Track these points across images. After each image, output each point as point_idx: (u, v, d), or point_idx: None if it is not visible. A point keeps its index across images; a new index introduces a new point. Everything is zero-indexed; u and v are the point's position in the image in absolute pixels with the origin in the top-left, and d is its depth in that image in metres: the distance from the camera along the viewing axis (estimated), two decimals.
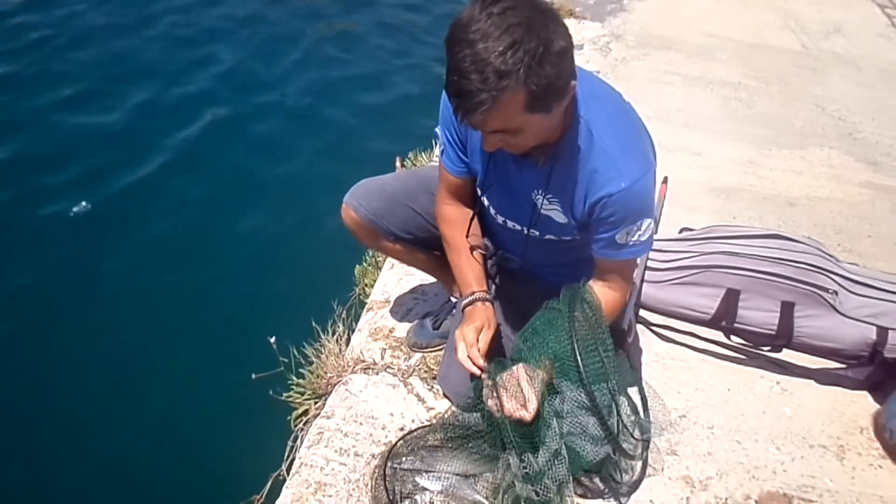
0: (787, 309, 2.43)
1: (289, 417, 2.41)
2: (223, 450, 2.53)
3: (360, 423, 2.13)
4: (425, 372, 2.30)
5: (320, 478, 1.98)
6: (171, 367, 3.05)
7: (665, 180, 3.14)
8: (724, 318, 2.48)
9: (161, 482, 2.46)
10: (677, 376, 2.39)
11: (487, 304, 1.87)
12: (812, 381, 2.40)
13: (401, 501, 1.89)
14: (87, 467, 2.64)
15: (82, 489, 2.55)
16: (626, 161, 1.60)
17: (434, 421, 2.13)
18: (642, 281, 2.56)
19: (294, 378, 2.41)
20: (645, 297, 2.56)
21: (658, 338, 2.52)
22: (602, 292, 1.80)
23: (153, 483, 2.47)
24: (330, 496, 1.94)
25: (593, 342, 1.72)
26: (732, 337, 2.51)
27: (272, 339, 2.25)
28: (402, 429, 2.12)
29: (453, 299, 2.34)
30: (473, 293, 1.87)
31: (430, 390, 2.25)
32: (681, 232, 2.82)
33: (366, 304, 2.66)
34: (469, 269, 1.90)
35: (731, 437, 2.20)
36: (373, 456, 2.04)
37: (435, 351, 2.36)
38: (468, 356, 1.75)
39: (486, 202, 1.89)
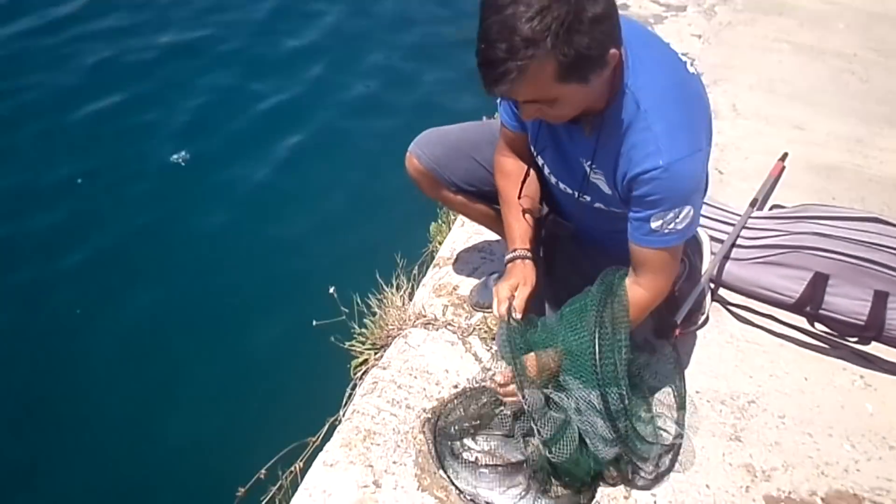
0: (880, 299, 2.25)
1: (349, 365, 2.44)
2: (284, 394, 2.61)
3: (415, 377, 2.13)
4: (485, 332, 2.26)
5: (370, 426, 2.00)
6: (242, 312, 3.13)
7: (783, 157, 2.96)
8: (809, 303, 2.32)
9: (220, 423, 2.57)
10: (751, 360, 2.26)
11: (528, 262, 1.82)
12: None
13: (446, 457, 1.89)
14: (152, 402, 2.78)
15: (145, 422, 2.69)
16: (669, 138, 1.48)
17: (489, 382, 2.10)
18: (724, 258, 2.43)
19: (356, 328, 2.43)
20: (725, 275, 2.43)
21: (735, 318, 2.39)
22: (631, 290, 1.71)
23: (211, 424, 2.57)
24: (378, 444, 1.95)
25: (610, 345, 1.65)
26: (816, 324, 2.35)
27: (332, 289, 2.26)
28: (455, 386, 2.11)
29: None
30: (516, 250, 1.83)
31: (487, 350, 2.22)
32: (772, 209, 2.65)
33: (431, 260, 2.65)
34: (516, 225, 1.86)
35: (803, 429, 2.07)
36: (424, 410, 2.03)
37: (486, 311, 2.32)
38: (497, 311, 1.74)
39: (540, 161, 1.83)
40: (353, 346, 2.44)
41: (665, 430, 1.88)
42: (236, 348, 2.89)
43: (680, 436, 1.89)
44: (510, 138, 1.87)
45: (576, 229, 1.93)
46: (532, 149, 1.83)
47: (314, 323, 2.26)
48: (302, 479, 2.03)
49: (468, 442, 1.92)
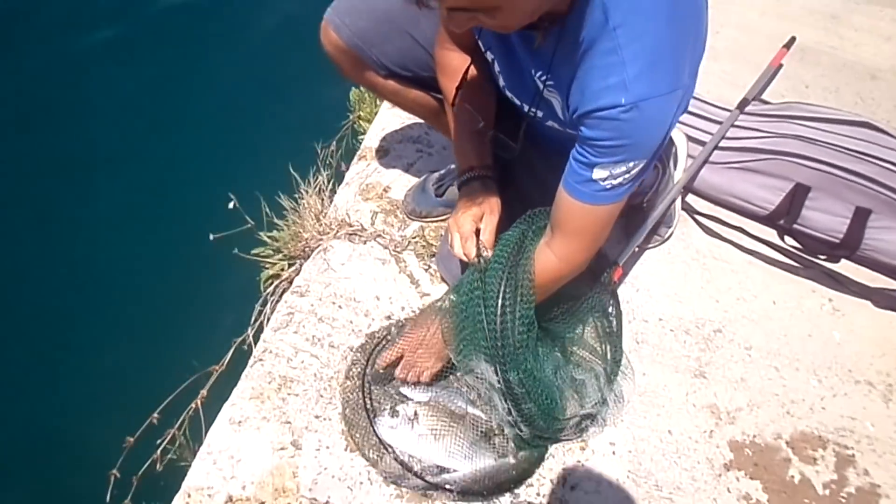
0: (861, 216, 2.01)
1: (258, 278, 2.06)
2: (183, 315, 2.13)
3: (339, 307, 1.78)
4: (423, 247, 1.91)
5: (286, 371, 1.66)
6: (131, 224, 2.53)
7: (789, 44, 2.56)
8: (785, 216, 2.07)
9: (109, 360, 2.08)
10: (718, 280, 2.03)
11: (489, 182, 1.48)
12: (869, 303, 2.05)
13: (379, 411, 1.59)
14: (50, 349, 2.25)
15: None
16: (639, 67, 1.10)
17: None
18: (703, 163, 2.11)
19: (264, 234, 2.02)
20: (697, 181, 2.13)
21: (702, 230, 2.12)
22: (540, 254, 1.40)
23: (101, 362, 2.08)
24: (296, 395, 1.62)
25: (510, 319, 1.37)
26: (786, 238, 2.13)
27: (231, 202, 1.81)
28: (388, 317, 1.77)
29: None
30: (472, 168, 1.48)
31: (426, 271, 1.87)
32: (749, 102, 2.32)
33: (358, 145, 2.21)
34: (466, 138, 1.48)
35: (770, 363, 1.88)
36: (350, 349, 1.70)
37: (436, 221, 1.95)
38: (464, 252, 1.41)
39: (490, 57, 1.42)
40: (264, 252, 2.04)
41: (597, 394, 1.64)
42: (126, 269, 2.35)
43: (604, 402, 1.64)
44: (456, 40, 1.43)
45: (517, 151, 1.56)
46: (481, 45, 1.40)
47: (211, 237, 1.82)
48: (206, 420, 1.71)
49: (404, 390, 1.62)
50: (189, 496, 1.49)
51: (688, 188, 2.14)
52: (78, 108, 2.74)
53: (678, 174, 1.96)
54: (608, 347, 1.65)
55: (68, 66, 2.90)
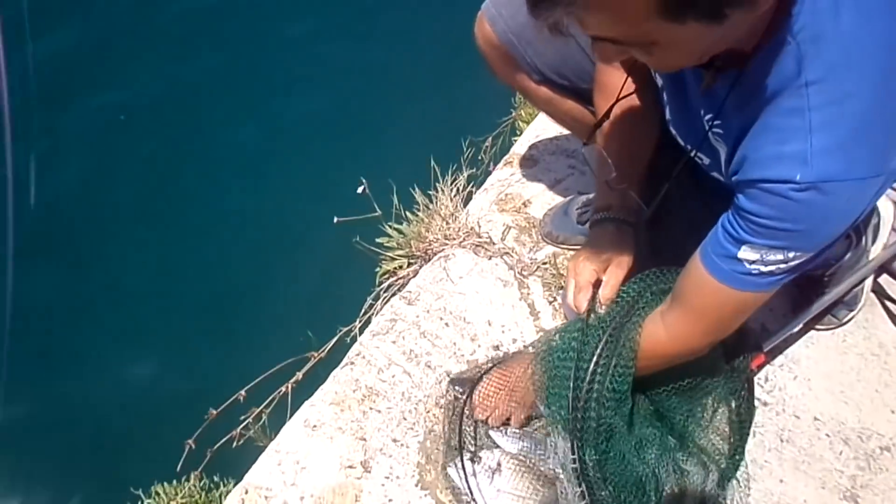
0: None
1: (376, 269, 1.94)
2: (293, 294, 2.07)
3: (446, 324, 1.62)
4: (552, 276, 1.70)
5: (374, 382, 1.53)
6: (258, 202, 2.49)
7: None
8: None
9: (217, 320, 2.05)
10: None
11: (624, 229, 1.28)
12: None
13: (463, 451, 1.42)
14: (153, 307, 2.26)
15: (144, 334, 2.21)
16: (831, 139, 0.84)
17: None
18: (892, 230, 1.74)
19: (390, 226, 1.90)
20: (892, 258, 1.76)
21: (891, 320, 1.75)
22: (649, 325, 1.19)
23: (206, 322, 2.06)
24: (378, 411, 1.49)
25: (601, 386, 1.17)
26: None
27: (361, 187, 1.69)
28: (496, 347, 1.60)
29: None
30: (609, 208, 1.29)
31: (550, 303, 1.67)
32: None
33: (510, 147, 2.03)
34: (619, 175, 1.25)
35: None
36: (448, 375, 1.54)
37: (573, 250, 1.74)
38: (575, 303, 1.25)
39: (659, 82, 1.18)
40: (384, 245, 1.92)
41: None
42: (244, 243, 2.31)
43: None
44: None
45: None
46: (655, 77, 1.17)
47: (335, 220, 1.72)
48: (293, 407, 1.62)
49: (494, 434, 1.44)
50: (246, 492, 1.41)
51: (886, 268, 1.77)
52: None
53: (876, 249, 1.61)
54: (729, 442, 1.37)
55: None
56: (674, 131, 1.18)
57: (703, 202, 1.38)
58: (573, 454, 1.19)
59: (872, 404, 1.63)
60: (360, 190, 1.70)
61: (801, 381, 1.65)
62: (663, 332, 1.17)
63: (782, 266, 0.97)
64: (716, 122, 1.02)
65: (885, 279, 1.80)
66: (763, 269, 0.98)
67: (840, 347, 1.71)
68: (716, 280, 1.03)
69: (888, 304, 1.78)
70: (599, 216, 1.29)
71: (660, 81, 1.16)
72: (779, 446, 1.56)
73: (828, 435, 1.58)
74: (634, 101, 1.26)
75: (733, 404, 1.45)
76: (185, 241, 2.21)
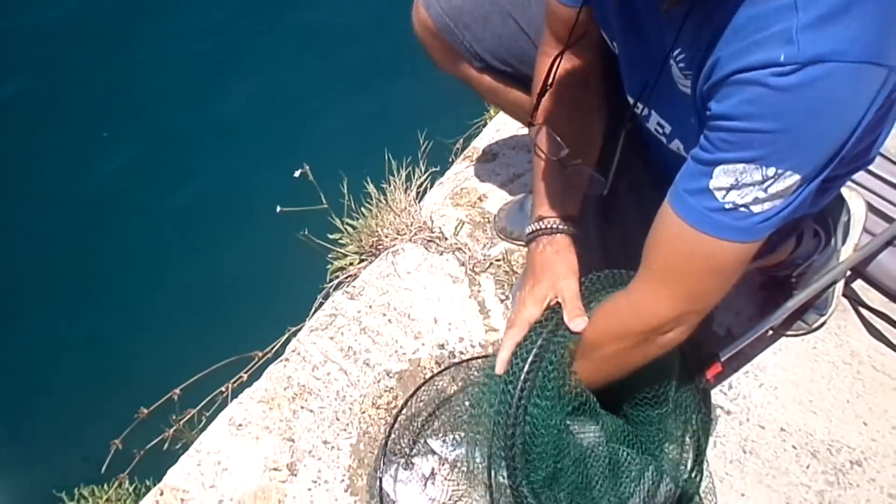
0: None
1: (328, 267, 1.85)
2: (239, 290, 1.95)
3: (390, 320, 1.53)
4: (505, 273, 1.61)
5: (308, 380, 1.43)
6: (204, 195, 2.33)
7: None
8: None
9: (156, 317, 1.93)
10: (872, 396, 1.56)
11: (561, 243, 1.11)
12: None
13: (393, 460, 1.32)
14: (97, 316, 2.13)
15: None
16: (821, 11, 0.70)
17: (491, 352, 1.48)
18: (887, 244, 1.64)
19: (344, 221, 1.81)
20: (874, 265, 1.66)
21: (866, 328, 1.66)
22: (610, 303, 1.03)
23: (145, 320, 1.93)
24: (310, 410, 1.39)
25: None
26: None
27: (299, 171, 1.60)
28: (441, 346, 1.50)
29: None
30: (541, 219, 1.12)
31: (501, 301, 1.58)
32: None
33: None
34: (544, 172, 1.13)
35: None
36: (388, 374, 1.45)
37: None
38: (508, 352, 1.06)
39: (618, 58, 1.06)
40: (335, 241, 1.83)
41: None
42: (184, 234, 2.19)
43: None
44: (562, 21, 1.08)
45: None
46: (604, 35, 1.06)
47: (278, 209, 1.63)
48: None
49: (432, 441, 1.33)
50: (161, 494, 1.31)
51: (858, 271, 1.68)
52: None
53: (847, 250, 1.53)
54: (684, 457, 1.26)
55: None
56: (629, 92, 1.06)
57: (659, 192, 1.29)
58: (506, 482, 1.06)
59: (843, 415, 1.53)
60: (297, 173, 1.60)
61: (768, 389, 1.55)
62: (624, 303, 1.00)
63: (760, 195, 0.80)
64: (678, 53, 0.88)
65: (859, 284, 1.71)
66: (738, 199, 0.81)
67: (810, 355, 1.61)
68: (685, 222, 0.86)
69: (862, 310, 1.68)
70: (532, 229, 1.13)
71: (609, 35, 1.05)
72: (741, 458, 1.45)
73: (794, 447, 1.48)
74: (578, 77, 1.16)
75: (692, 417, 1.33)
76: (121, 233, 2.09)
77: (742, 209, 0.82)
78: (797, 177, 0.79)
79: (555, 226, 1.11)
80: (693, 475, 1.22)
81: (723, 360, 1.33)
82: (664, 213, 0.91)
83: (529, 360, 1.01)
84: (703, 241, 0.86)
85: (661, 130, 1.03)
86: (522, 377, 1.01)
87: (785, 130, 0.75)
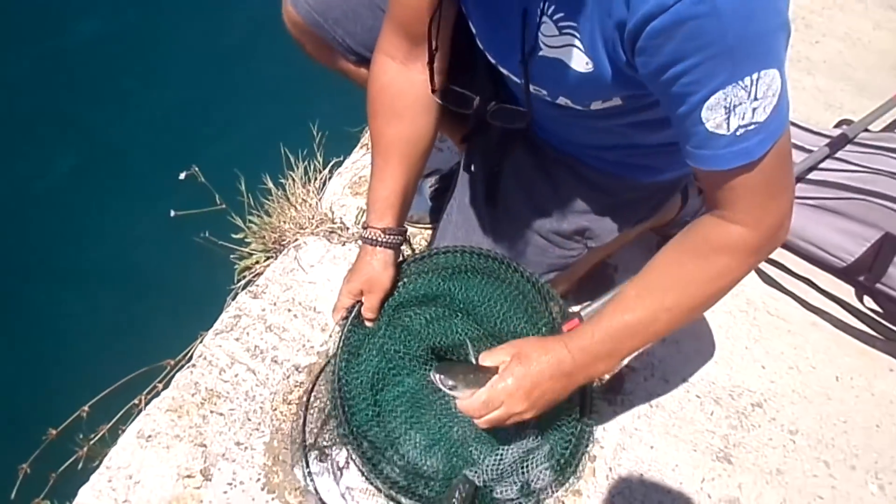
0: None
1: (236, 267, 1.83)
2: (143, 300, 1.89)
3: (294, 316, 1.52)
4: (409, 256, 1.62)
5: (215, 384, 1.42)
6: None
7: None
8: (867, 272, 1.66)
9: (53, 330, 1.85)
10: (768, 341, 1.64)
11: (385, 253, 1.20)
12: None
13: (313, 448, 1.32)
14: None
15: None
16: None
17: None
18: None
19: (243, 220, 1.79)
20: None
21: (758, 276, 1.73)
22: (715, 228, 0.96)
23: (44, 333, 1.85)
24: (220, 413, 1.38)
25: None
26: (866, 300, 1.71)
27: (184, 173, 1.57)
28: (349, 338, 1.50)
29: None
30: (367, 228, 1.20)
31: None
32: (838, 125, 1.89)
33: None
34: (381, 179, 1.18)
35: (818, 455, 1.49)
36: (297, 369, 1.44)
37: (429, 229, 1.67)
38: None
39: (471, 25, 1.07)
40: (239, 240, 1.81)
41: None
42: (75, 241, 2.09)
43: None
44: (408, 13, 1.07)
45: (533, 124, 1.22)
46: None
47: (171, 213, 1.60)
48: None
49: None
50: None
51: None
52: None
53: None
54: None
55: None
56: (493, 60, 1.07)
57: (542, 171, 1.32)
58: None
59: (742, 361, 1.60)
60: (182, 176, 1.57)
61: (670, 343, 1.61)
62: (738, 230, 0.94)
63: (755, 104, 0.81)
64: (555, 12, 0.88)
65: None
66: (741, 121, 0.82)
67: None
68: (724, 171, 0.87)
69: None
70: (366, 234, 1.19)
71: (471, 22, 1.06)
72: (648, 412, 1.51)
73: (698, 396, 1.54)
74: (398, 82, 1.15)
75: None
76: (13, 247, 2.00)
77: (751, 126, 0.83)
78: (772, 70, 0.80)
79: (382, 240, 1.18)
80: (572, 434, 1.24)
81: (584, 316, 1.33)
82: (704, 177, 0.92)
83: (342, 335, 1.22)
84: (754, 167, 0.87)
85: (541, 94, 1.04)
86: (339, 352, 1.21)
87: (734, 43, 0.77)
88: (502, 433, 1.23)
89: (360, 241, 1.22)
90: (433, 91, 1.11)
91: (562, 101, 1.02)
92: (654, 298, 1.00)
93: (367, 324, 1.22)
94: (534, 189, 1.28)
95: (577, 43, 0.90)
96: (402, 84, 1.13)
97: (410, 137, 1.15)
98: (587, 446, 1.23)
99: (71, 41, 2.44)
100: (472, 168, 1.31)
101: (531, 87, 1.02)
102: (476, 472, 1.20)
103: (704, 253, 0.97)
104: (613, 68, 0.89)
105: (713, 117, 0.83)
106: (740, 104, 0.81)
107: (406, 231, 1.23)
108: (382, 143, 1.16)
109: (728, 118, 0.83)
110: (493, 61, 1.08)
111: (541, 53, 0.94)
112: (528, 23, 0.92)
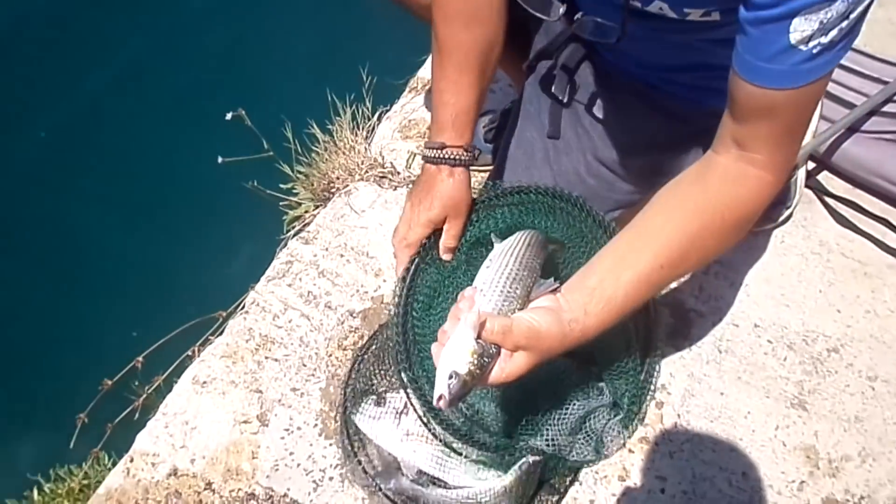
0: None
1: (283, 217, 1.79)
2: (191, 249, 1.85)
3: (348, 260, 1.48)
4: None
5: (269, 330, 1.39)
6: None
7: None
8: None
9: (109, 283, 1.82)
10: (843, 284, 1.55)
11: (458, 171, 1.08)
12: None
13: (365, 396, 1.28)
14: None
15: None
16: None
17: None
18: (849, 130, 1.61)
19: (291, 168, 1.75)
20: (837, 153, 1.63)
21: (833, 217, 1.64)
22: (738, 177, 0.90)
23: (98, 287, 1.82)
24: (275, 359, 1.35)
25: None
26: None
27: (230, 115, 1.52)
28: (404, 280, 1.45)
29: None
30: (443, 147, 1.07)
31: None
32: None
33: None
34: (456, 92, 1.06)
35: None
36: (351, 314, 1.41)
37: (483, 170, 1.60)
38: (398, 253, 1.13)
39: None
40: (287, 189, 1.77)
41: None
42: (127, 191, 2.04)
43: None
44: None
45: (616, 57, 1.14)
46: None
47: (219, 160, 1.56)
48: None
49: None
50: (132, 460, 1.27)
51: (819, 160, 1.65)
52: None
53: (805, 137, 1.49)
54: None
55: None
56: None
57: (611, 100, 1.23)
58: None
59: (816, 305, 1.52)
60: (228, 116, 1.52)
61: (738, 287, 1.53)
62: (756, 171, 0.89)
63: (844, 25, 0.76)
64: None
65: (823, 175, 1.68)
66: (824, 39, 0.76)
67: (778, 249, 1.58)
68: (780, 90, 0.81)
69: (828, 199, 1.66)
70: (429, 151, 1.08)
71: None
72: (717, 357, 1.44)
73: (770, 341, 1.47)
74: None
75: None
76: (64, 204, 1.98)
77: (830, 45, 0.78)
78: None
79: (459, 158, 1.07)
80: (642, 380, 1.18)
81: None
82: (754, 93, 0.84)
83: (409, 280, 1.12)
84: (811, 90, 0.82)
85: (636, 5, 0.95)
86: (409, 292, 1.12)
87: None
88: (565, 386, 1.18)
89: (427, 164, 1.10)
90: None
91: (657, 5, 0.94)
92: (652, 254, 0.92)
93: (446, 257, 1.13)
94: (602, 118, 1.21)
95: None
96: None
97: (488, 43, 1.06)
98: (652, 391, 1.18)
99: None
100: (533, 100, 1.24)
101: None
102: (544, 439, 1.15)
103: (713, 203, 0.91)
104: None
105: (802, 29, 0.76)
106: (833, 21, 0.75)
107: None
108: (459, 51, 1.05)
109: (813, 33, 0.76)
110: None
111: None
112: None
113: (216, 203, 1.84)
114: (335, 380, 1.33)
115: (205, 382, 1.33)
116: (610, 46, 1.12)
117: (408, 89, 1.80)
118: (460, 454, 1.17)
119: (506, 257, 0.95)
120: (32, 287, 1.78)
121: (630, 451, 1.32)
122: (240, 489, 1.23)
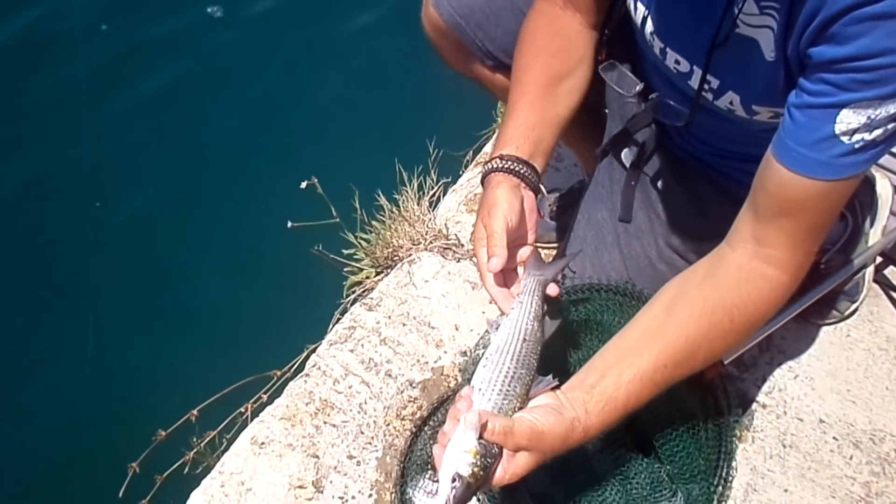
0: None
1: (343, 283, 1.82)
2: (254, 309, 1.87)
3: (410, 330, 1.49)
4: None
5: (329, 394, 1.40)
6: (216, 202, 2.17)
7: None
8: None
9: (162, 349, 1.86)
10: None
11: (510, 179, 0.98)
12: None
13: (421, 471, 1.27)
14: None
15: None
16: None
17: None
18: (891, 214, 1.60)
19: (355, 235, 1.78)
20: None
21: None
22: (754, 276, 0.88)
23: (152, 350, 1.86)
24: (333, 425, 1.36)
25: None
26: None
27: (305, 182, 1.57)
28: (464, 353, 1.46)
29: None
30: (501, 158, 1.00)
31: None
32: None
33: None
34: (520, 110, 1.03)
35: None
36: (411, 384, 1.41)
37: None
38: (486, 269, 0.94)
39: (645, 25, 1.01)
40: (350, 255, 1.81)
41: None
42: (195, 252, 2.07)
43: None
44: None
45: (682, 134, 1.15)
46: None
47: (289, 224, 1.61)
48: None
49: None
50: None
51: (888, 256, 1.63)
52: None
53: (875, 233, 1.48)
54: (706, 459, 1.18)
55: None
56: (661, 47, 0.99)
57: (684, 186, 1.25)
58: None
59: (883, 403, 1.48)
60: (303, 185, 1.57)
61: (804, 380, 1.50)
62: (773, 271, 0.87)
63: (891, 126, 0.75)
64: None
65: (890, 271, 1.66)
66: (868, 136, 0.76)
67: (844, 343, 1.55)
68: (815, 180, 0.80)
69: (894, 294, 1.63)
70: (491, 163, 1.00)
71: (643, 11, 0.99)
72: (782, 452, 1.40)
73: (835, 438, 1.43)
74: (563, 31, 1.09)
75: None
76: (134, 253, 2.04)
77: (872, 143, 0.77)
78: None
79: (508, 165, 0.99)
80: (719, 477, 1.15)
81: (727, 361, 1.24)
82: (786, 179, 0.83)
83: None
84: (838, 188, 0.82)
85: (708, 87, 0.97)
86: None
87: None
88: (635, 483, 1.15)
89: (482, 179, 1.01)
90: (600, 60, 1.07)
91: (727, 99, 0.96)
92: (655, 353, 0.89)
93: (491, 265, 0.93)
94: (674, 204, 1.22)
95: (773, 24, 0.84)
96: (562, 27, 1.08)
97: (558, 74, 1.06)
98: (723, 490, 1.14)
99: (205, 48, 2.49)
100: (605, 182, 1.26)
101: (707, 81, 0.95)
102: None
103: (723, 303, 0.89)
104: (786, 66, 0.84)
105: (849, 121, 0.76)
106: (881, 120, 0.75)
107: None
108: (524, 78, 1.05)
109: (859, 127, 0.76)
110: (660, 51, 1.01)
111: (737, 31, 0.88)
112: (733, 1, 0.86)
113: (280, 265, 1.88)
114: (392, 449, 1.33)
115: (263, 443, 1.34)
116: (681, 131, 1.15)
117: (474, 163, 1.84)
118: None
119: (502, 355, 0.90)
120: (97, 333, 1.83)
121: None
122: None
